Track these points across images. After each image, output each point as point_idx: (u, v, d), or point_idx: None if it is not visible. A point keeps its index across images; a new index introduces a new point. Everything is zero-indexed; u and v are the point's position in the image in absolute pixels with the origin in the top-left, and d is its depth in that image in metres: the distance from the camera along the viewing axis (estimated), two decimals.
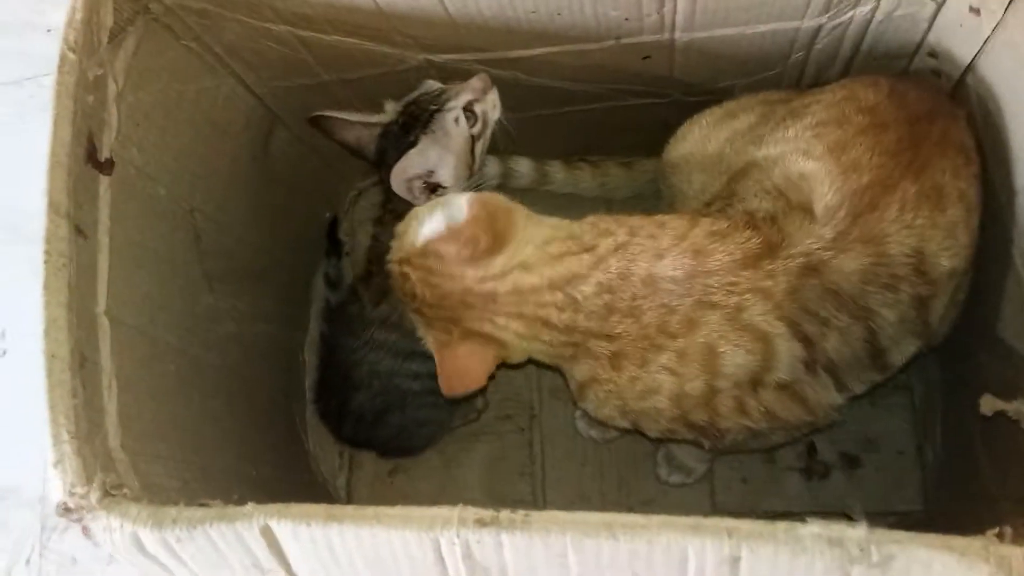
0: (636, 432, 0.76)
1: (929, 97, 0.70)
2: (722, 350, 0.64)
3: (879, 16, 0.73)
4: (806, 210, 0.64)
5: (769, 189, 0.67)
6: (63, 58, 0.63)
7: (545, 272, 0.67)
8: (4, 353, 1.13)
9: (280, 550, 0.50)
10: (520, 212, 0.70)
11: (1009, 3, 0.63)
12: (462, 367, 0.69)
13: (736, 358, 0.64)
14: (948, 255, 0.65)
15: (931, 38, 0.75)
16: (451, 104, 0.81)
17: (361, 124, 0.85)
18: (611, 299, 0.65)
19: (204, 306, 0.77)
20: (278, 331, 0.95)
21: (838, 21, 0.73)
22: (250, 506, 0.49)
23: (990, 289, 0.72)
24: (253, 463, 0.78)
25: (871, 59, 0.79)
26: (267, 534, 0.49)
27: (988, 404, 0.62)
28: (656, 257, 0.65)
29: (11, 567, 1.02)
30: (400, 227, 0.72)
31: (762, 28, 0.74)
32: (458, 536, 0.47)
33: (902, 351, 0.68)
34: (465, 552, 0.47)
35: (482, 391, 0.92)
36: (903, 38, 0.76)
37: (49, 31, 1.29)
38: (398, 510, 0.48)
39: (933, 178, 0.65)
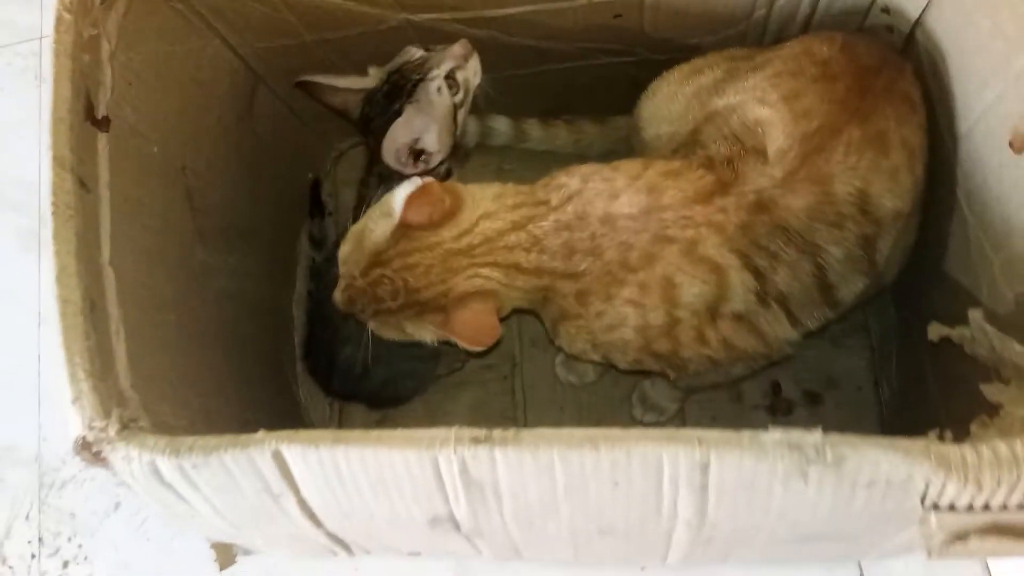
0: (610, 368, 0.81)
1: (878, 51, 0.75)
2: (679, 281, 0.69)
3: None
4: (760, 153, 0.69)
5: (727, 135, 0.72)
6: (59, 18, 0.65)
7: (507, 216, 0.72)
8: None
9: (289, 473, 0.54)
10: (457, 184, 0.76)
11: None
12: (474, 326, 0.72)
13: (692, 288, 0.69)
14: (891, 196, 0.71)
15: None
16: (433, 73, 0.84)
17: (346, 90, 0.88)
18: (570, 238, 0.70)
19: (198, 261, 0.80)
20: (267, 287, 0.98)
21: None
22: (261, 433, 0.53)
23: (938, 228, 0.77)
24: (251, 410, 0.82)
25: (829, 15, 0.83)
26: (278, 458, 0.53)
27: (935, 331, 0.68)
28: (612, 197, 0.70)
29: (11, 523, 1.05)
30: (345, 249, 0.77)
31: None
32: (455, 453, 0.51)
33: (850, 288, 0.73)
34: (461, 468, 0.52)
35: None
36: None
37: None
38: (399, 432, 0.52)
39: (877, 124, 0.70)
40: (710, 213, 0.68)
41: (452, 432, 0.52)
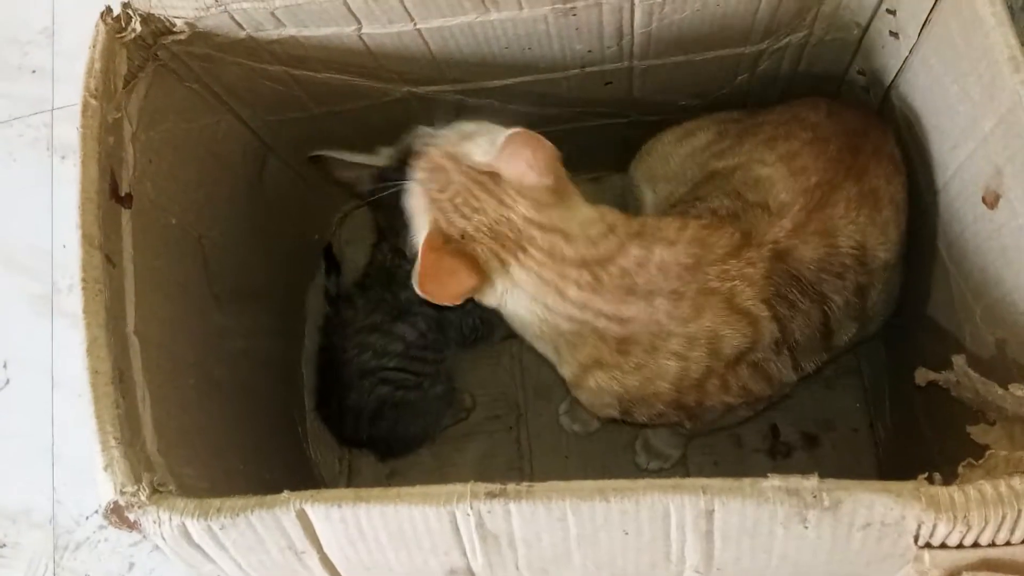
0: (617, 422, 0.83)
1: (862, 116, 0.80)
2: (723, 333, 0.70)
3: (812, 41, 0.82)
4: (763, 207, 0.74)
5: (728, 191, 0.76)
6: (86, 104, 0.69)
7: (581, 251, 0.70)
8: (7, 383, 1.17)
9: (313, 531, 0.56)
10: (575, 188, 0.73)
11: (922, 28, 0.72)
12: (443, 272, 0.70)
13: (734, 340, 0.71)
14: (883, 249, 0.75)
15: (859, 58, 0.84)
16: None
17: (358, 165, 0.92)
18: (630, 283, 0.70)
19: (214, 324, 0.83)
20: (278, 345, 1.01)
21: (777, 46, 0.83)
22: (286, 493, 0.56)
23: (922, 276, 0.81)
24: (266, 468, 0.84)
25: (808, 77, 0.88)
26: (302, 517, 0.55)
27: (921, 376, 0.71)
28: (669, 245, 0.71)
29: None
30: (449, 135, 0.75)
31: (710, 55, 0.83)
32: (471, 507, 0.54)
33: (845, 333, 0.77)
34: (478, 521, 0.54)
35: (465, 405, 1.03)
36: (835, 59, 0.86)
37: (34, 72, 1.35)
38: (418, 489, 0.55)
39: (871, 182, 0.75)
40: (742, 266, 0.71)
41: (468, 487, 0.55)
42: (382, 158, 0.89)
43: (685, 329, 0.70)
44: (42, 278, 1.22)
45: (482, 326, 1.02)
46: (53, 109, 1.33)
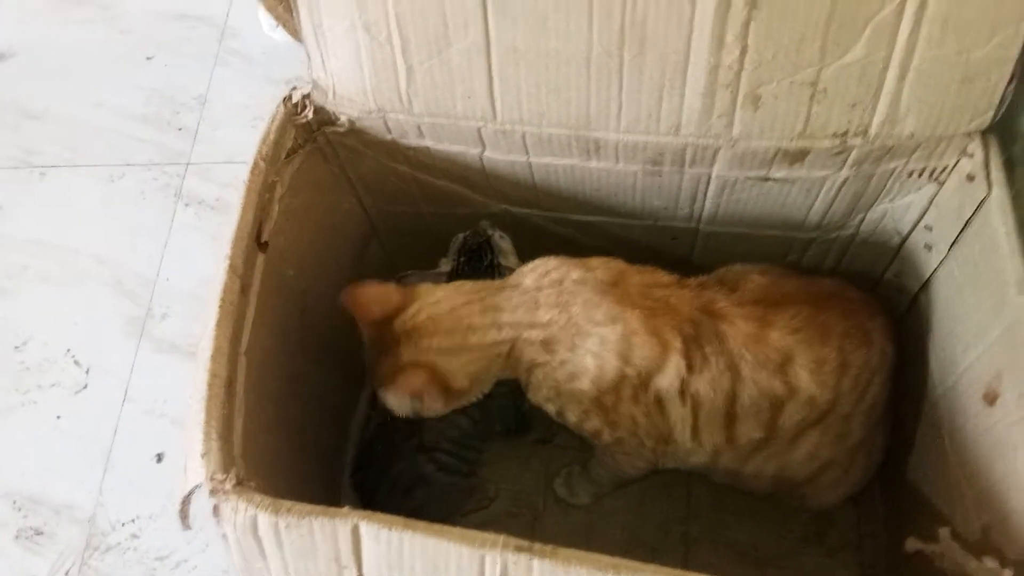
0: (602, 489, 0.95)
1: (862, 296, 0.91)
2: (635, 342, 0.80)
3: (857, 240, 0.95)
4: (730, 288, 0.85)
5: (710, 275, 0.89)
6: (255, 164, 0.84)
7: (456, 300, 0.83)
8: (85, 387, 1.29)
9: (359, 549, 0.65)
10: (420, 286, 0.87)
11: (951, 246, 0.85)
12: (404, 383, 0.82)
13: (643, 351, 0.80)
14: (809, 376, 0.82)
15: (896, 263, 0.97)
16: (488, 230, 1.04)
17: (436, 273, 1.05)
18: (536, 296, 0.82)
19: (296, 366, 0.95)
20: (339, 400, 1.12)
21: (826, 237, 0.96)
22: (346, 508, 0.65)
23: (928, 460, 0.89)
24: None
25: (849, 272, 1.00)
26: (355, 532, 0.65)
27: (911, 543, 0.78)
28: (588, 269, 0.84)
29: None
30: None
31: (767, 232, 0.96)
32: (500, 556, 0.63)
33: (748, 430, 0.84)
34: (503, 570, 0.63)
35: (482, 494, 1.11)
36: (876, 257, 0.98)
37: (180, 129, 1.55)
38: (457, 529, 0.64)
39: (826, 320, 0.84)
40: (668, 295, 0.82)
41: (500, 538, 0.63)
42: (445, 265, 1.04)
43: (599, 331, 0.80)
44: (141, 303, 1.36)
45: (523, 421, 1.11)
46: (188, 164, 1.52)
